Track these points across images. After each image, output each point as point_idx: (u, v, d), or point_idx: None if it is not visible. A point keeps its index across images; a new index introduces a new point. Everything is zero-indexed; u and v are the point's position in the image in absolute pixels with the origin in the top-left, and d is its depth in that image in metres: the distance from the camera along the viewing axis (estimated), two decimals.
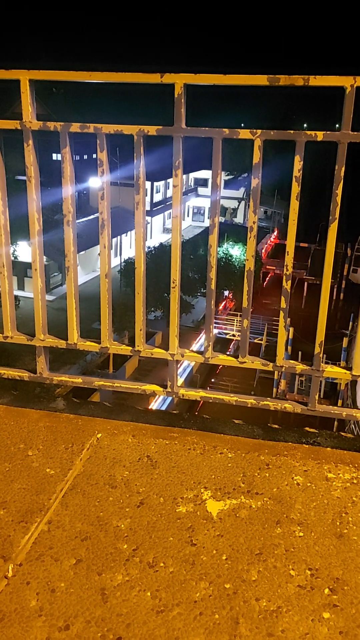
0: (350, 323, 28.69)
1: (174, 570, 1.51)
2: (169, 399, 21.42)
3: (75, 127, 1.87)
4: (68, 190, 2.00)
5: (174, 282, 2.07)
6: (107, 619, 1.37)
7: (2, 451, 2.03)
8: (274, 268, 40.88)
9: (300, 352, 19.03)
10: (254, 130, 1.77)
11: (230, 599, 1.43)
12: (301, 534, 1.65)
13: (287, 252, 1.95)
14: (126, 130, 1.85)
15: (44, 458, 1.99)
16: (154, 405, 21.35)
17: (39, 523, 1.67)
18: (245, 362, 2.14)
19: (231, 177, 47.91)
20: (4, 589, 1.46)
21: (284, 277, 2.01)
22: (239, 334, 2.38)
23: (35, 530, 1.65)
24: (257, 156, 1.82)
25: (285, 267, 1.98)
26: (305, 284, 36.00)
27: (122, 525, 1.68)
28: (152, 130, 1.82)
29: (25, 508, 1.73)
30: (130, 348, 2.21)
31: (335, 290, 37.13)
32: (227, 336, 29.86)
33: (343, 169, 1.79)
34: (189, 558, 1.55)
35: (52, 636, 1.32)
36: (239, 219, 48.82)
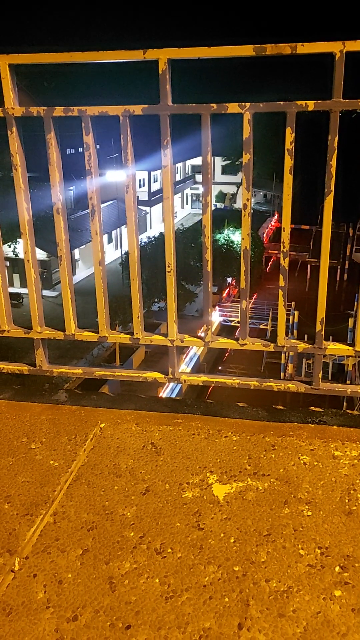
0: (355, 303, 28.48)
1: (182, 555, 1.49)
2: (177, 388, 21.45)
3: (59, 111, 1.82)
4: (55, 177, 1.95)
5: (169, 266, 2.03)
6: (116, 607, 1.35)
7: (5, 445, 2.01)
8: (276, 252, 40.44)
9: (306, 336, 18.92)
10: (243, 104, 1.71)
11: (240, 581, 1.41)
12: (309, 513, 1.63)
13: (283, 228, 1.90)
14: (111, 111, 1.80)
15: (47, 450, 1.97)
16: (163, 394, 21.36)
17: (44, 515, 1.66)
18: (246, 344, 2.10)
19: (228, 162, 47.44)
20: (11, 582, 1.44)
21: (281, 255, 1.96)
22: None
23: (41, 522, 1.63)
24: (247, 130, 1.77)
25: (282, 244, 1.93)
26: (309, 266, 35.66)
27: (128, 514, 1.66)
28: (137, 109, 1.77)
29: (30, 501, 1.71)
30: (129, 336, 2.18)
31: (338, 271, 36.81)
32: (232, 323, 29.72)
33: (336, 139, 1.74)
34: (196, 542, 1.53)
35: (61, 627, 1.30)
36: (238, 205, 48.46)
